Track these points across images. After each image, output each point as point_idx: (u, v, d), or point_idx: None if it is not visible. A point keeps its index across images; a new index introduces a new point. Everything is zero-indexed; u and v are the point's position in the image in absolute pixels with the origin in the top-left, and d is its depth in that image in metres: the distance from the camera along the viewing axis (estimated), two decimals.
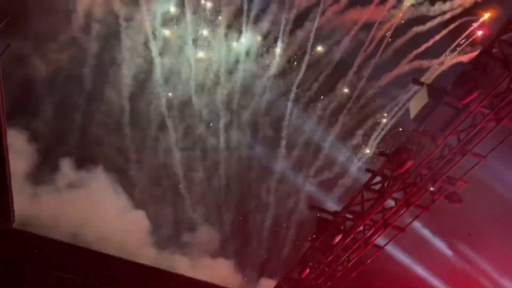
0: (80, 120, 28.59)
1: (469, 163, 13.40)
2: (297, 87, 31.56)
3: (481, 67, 12.94)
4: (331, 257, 15.44)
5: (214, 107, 31.02)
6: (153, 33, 29.79)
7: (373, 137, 29.99)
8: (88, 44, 28.56)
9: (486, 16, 27.76)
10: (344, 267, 15.47)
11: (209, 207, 30.21)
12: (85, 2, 28.19)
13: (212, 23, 30.64)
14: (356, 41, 31.95)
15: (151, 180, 29.58)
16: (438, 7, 32.00)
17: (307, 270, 15.56)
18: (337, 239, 15.10)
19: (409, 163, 13.83)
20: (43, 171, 25.85)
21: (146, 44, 29.81)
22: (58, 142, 27.68)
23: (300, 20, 31.43)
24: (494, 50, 12.81)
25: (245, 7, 30.68)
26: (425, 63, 31.94)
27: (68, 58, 28.33)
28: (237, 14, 30.87)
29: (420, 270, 19.14)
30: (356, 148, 30.57)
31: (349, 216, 15.06)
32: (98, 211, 25.52)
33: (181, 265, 25.79)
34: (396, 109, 30.36)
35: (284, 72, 31.89)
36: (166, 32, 30.26)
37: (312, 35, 31.40)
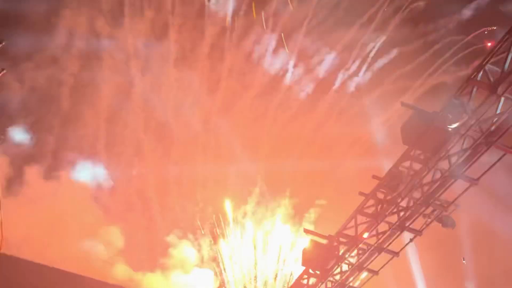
0: (53, 142, 28.04)
1: (462, 186, 13.54)
2: None
3: (469, 92, 13.20)
4: (325, 282, 15.34)
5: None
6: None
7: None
8: (68, 63, 28.28)
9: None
10: None
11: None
12: (67, 20, 28.02)
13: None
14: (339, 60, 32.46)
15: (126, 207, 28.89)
16: (422, 28, 32.78)
17: None
18: (331, 264, 15.03)
19: (402, 187, 13.93)
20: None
21: (127, 62, 29.63)
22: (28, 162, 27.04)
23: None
24: (480, 75, 13.10)
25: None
26: (409, 83, 32.52)
27: (46, 77, 27.99)
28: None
29: None
30: None
31: (343, 240, 15.02)
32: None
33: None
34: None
35: None
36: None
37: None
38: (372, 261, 14.66)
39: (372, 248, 14.40)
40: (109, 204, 28.42)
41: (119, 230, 27.33)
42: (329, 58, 32.71)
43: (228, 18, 31.71)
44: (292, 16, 32.39)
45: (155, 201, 29.76)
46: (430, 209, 13.84)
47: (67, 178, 27.63)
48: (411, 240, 14.16)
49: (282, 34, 32.02)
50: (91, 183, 28.28)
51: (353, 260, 14.81)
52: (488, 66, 12.98)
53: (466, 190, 13.46)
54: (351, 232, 14.74)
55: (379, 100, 31.84)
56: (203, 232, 29.26)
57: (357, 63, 32.58)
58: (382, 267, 14.71)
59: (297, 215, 30.32)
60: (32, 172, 26.90)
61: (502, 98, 12.81)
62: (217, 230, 29.01)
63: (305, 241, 15.59)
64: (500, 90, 12.74)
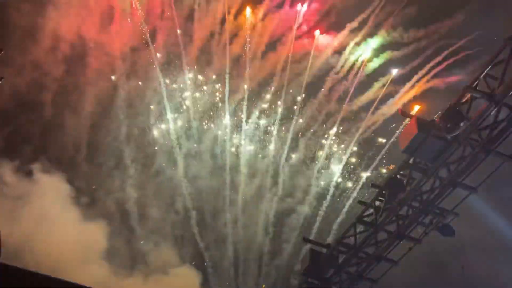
0: (33, 151, 27.28)
1: (461, 194, 13.55)
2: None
3: (467, 101, 13.24)
4: None
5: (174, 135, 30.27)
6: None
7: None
8: (52, 68, 27.65)
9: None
10: None
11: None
12: (52, 24, 27.45)
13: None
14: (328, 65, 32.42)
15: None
16: (413, 33, 32.89)
17: None
18: (330, 273, 14.93)
19: (401, 195, 13.92)
20: None
21: (112, 67, 29.08)
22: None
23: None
24: (478, 83, 13.15)
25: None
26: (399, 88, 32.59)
27: (28, 83, 27.30)
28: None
29: None
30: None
31: (342, 249, 14.94)
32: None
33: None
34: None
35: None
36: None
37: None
38: (372, 269, 14.57)
39: (371, 257, 14.31)
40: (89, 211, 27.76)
41: (100, 232, 26.60)
42: (318, 62, 32.69)
43: (218, 22, 31.54)
44: (282, 20, 32.28)
45: (134, 211, 29.16)
46: (429, 217, 13.81)
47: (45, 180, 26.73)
48: (410, 249, 14.11)
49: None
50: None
51: (352, 269, 14.72)
52: (486, 75, 13.06)
53: (465, 198, 13.47)
54: (350, 241, 14.65)
55: (369, 105, 31.92)
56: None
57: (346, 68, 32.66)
58: (381, 276, 14.63)
59: None
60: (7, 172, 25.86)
61: (501, 106, 12.88)
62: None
63: None
64: (498, 98, 12.82)
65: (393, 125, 30.69)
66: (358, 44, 32.44)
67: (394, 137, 29.93)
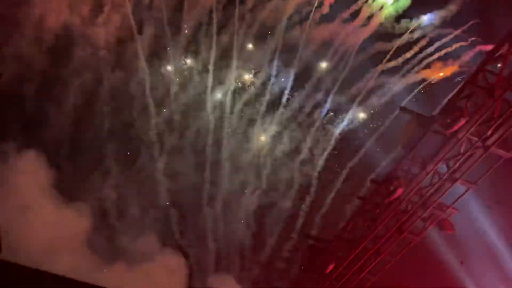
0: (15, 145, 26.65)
1: (460, 190, 13.64)
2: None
3: (467, 96, 13.25)
4: (324, 286, 15.32)
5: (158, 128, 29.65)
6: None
7: None
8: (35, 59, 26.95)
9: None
10: None
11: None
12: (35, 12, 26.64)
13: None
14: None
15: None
16: (403, 24, 32.73)
17: None
18: (330, 268, 15.01)
19: (400, 191, 13.95)
20: None
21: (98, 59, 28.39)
22: None
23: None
24: (478, 79, 13.16)
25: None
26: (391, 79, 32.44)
27: (10, 75, 26.62)
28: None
29: None
30: None
31: (342, 244, 15.00)
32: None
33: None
34: None
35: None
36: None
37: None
38: (371, 265, 14.68)
39: (371, 252, 14.40)
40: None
41: (81, 224, 26.03)
42: (308, 53, 32.41)
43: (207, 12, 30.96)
44: (272, 11, 31.81)
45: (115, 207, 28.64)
46: (428, 212, 13.89)
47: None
48: (410, 244, 14.22)
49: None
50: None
51: (352, 264, 14.81)
52: (485, 70, 13.07)
53: (464, 193, 13.57)
54: (349, 236, 14.71)
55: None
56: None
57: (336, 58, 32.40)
58: (379, 272, 14.75)
59: None
60: None
61: (500, 102, 12.93)
62: None
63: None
64: (497, 94, 12.85)
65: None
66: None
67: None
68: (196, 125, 29.45)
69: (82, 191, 27.06)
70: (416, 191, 13.96)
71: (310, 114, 29.82)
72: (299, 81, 30.39)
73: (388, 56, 28.33)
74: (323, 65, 29.20)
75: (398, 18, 31.21)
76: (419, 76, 30.95)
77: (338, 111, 29.04)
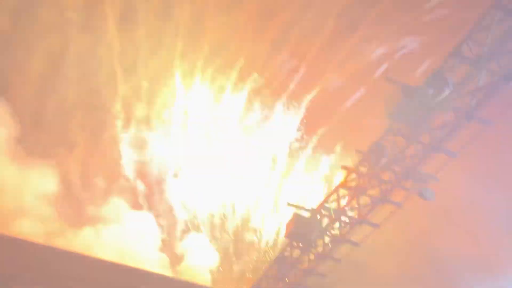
0: None
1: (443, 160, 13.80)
2: None
3: (451, 67, 13.31)
4: (308, 254, 15.63)
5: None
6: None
7: None
8: None
9: None
10: (321, 264, 15.71)
11: None
12: None
13: None
14: None
15: None
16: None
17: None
18: (314, 236, 15.29)
19: (384, 161, 14.14)
20: None
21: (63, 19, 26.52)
22: None
23: None
24: (463, 50, 13.20)
25: None
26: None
27: None
28: None
29: None
30: None
31: (325, 213, 15.25)
32: None
33: None
34: None
35: None
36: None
37: None
38: (354, 233, 14.96)
39: (354, 220, 14.67)
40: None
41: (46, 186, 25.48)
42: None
43: None
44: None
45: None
46: (410, 182, 14.09)
47: None
48: (391, 212, 14.46)
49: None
50: None
51: (335, 232, 15.10)
52: (470, 40, 13.09)
53: (446, 163, 13.74)
54: (333, 205, 14.96)
55: None
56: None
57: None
58: (362, 239, 15.03)
59: None
60: None
61: (484, 72, 13.00)
62: None
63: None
64: (481, 64, 12.92)
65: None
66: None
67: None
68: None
69: (46, 162, 26.29)
70: (399, 162, 14.14)
71: None
72: None
73: None
74: None
75: None
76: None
77: None
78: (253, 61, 29.12)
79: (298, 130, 29.36)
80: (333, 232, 15.23)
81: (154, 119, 28.26)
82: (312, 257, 15.75)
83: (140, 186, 27.29)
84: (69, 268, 15.99)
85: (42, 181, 24.76)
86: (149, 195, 27.45)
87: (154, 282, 17.79)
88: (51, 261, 16.27)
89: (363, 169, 14.65)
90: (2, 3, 24.40)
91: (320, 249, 15.53)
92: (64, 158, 26.97)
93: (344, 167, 15.03)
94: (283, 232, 17.08)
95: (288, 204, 16.17)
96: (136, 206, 26.63)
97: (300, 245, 15.56)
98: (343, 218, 15.06)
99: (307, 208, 15.66)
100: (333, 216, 15.14)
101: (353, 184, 14.80)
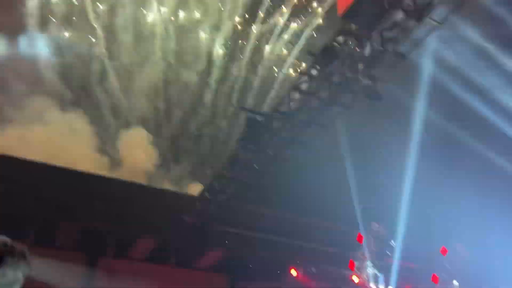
0: None
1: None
2: None
3: None
4: (261, 156, 16.05)
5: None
6: None
7: None
8: None
9: None
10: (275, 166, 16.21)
11: None
12: None
13: None
14: None
15: None
16: None
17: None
18: (265, 138, 15.57)
19: (335, 63, 14.07)
20: None
21: None
22: None
23: None
24: None
25: None
26: None
27: None
28: None
29: None
30: None
31: (278, 116, 15.41)
32: None
33: None
34: None
35: None
36: None
37: None
38: (305, 134, 15.31)
39: (304, 122, 14.94)
40: None
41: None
42: None
43: None
44: None
45: None
46: (360, 84, 14.20)
47: None
48: (340, 114, 14.74)
49: None
50: None
51: (286, 134, 15.42)
52: None
53: (392, 65, 13.82)
54: (285, 108, 15.10)
55: None
56: None
57: None
58: (313, 141, 15.44)
59: None
60: None
61: None
62: None
63: None
64: None
65: None
66: None
67: None
68: None
69: None
70: (351, 63, 14.11)
71: None
72: None
73: None
74: None
75: None
76: None
77: None
78: None
79: None
80: (284, 134, 15.53)
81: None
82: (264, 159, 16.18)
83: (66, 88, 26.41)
84: None
85: None
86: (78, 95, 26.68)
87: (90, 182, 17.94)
88: None
89: (314, 72, 14.60)
90: None
91: (272, 150, 15.93)
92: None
93: (296, 70, 14.96)
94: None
95: (241, 108, 16.19)
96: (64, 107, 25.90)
97: (252, 147, 15.85)
98: (294, 121, 15.27)
99: (260, 112, 15.75)
100: (285, 119, 15.32)
101: (304, 87, 14.83)
